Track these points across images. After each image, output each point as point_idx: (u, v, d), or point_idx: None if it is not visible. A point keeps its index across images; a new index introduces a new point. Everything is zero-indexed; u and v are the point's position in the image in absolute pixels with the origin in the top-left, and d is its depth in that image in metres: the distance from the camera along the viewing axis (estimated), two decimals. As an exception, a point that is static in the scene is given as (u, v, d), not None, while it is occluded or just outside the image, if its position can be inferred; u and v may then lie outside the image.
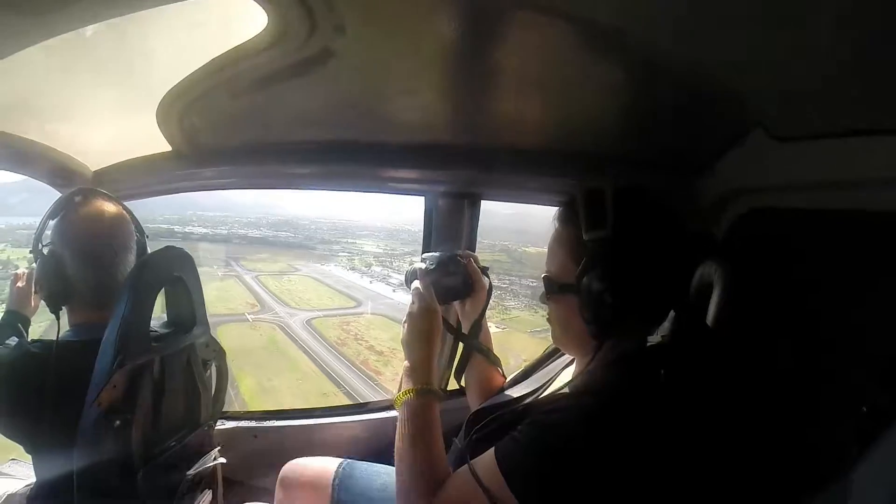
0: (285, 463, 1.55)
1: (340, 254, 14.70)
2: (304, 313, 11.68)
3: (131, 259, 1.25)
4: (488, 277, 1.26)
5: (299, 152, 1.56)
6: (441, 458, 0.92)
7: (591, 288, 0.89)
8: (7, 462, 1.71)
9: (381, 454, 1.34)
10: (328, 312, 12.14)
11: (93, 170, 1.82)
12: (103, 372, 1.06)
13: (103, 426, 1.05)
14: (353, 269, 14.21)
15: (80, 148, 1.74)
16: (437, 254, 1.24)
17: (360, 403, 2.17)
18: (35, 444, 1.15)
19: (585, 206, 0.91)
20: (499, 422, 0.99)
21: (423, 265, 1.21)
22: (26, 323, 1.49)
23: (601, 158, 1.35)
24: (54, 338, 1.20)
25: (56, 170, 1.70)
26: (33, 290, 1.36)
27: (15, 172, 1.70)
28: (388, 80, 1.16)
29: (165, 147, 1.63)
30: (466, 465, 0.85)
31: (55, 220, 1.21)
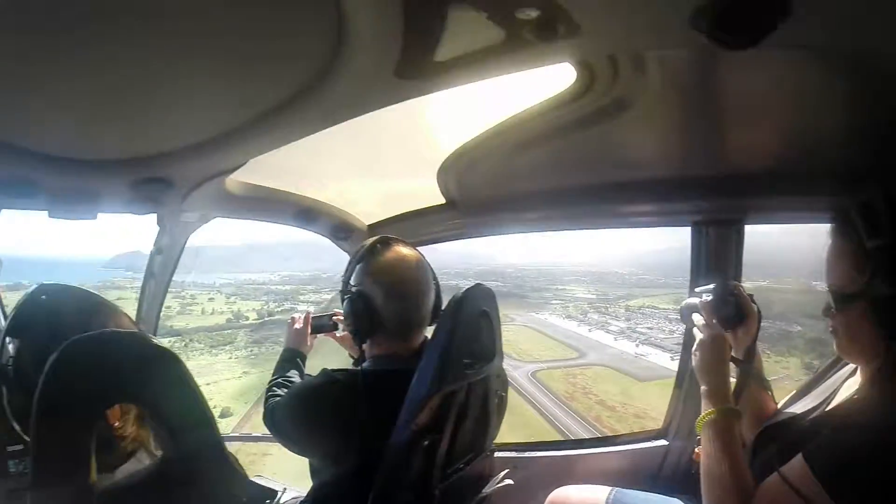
0: (543, 493, 1.63)
1: (553, 301, 14.76)
2: (529, 365, 11.73)
3: (432, 296, 1.35)
4: (755, 304, 1.32)
5: (564, 195, 1.71)
6: (746, 470, 1.01)
7: (881, 293, 0.95)
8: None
9: (641, 484, 1.44)
10: (552, 364, 11.94)
11: (367, 223, 2.12)
12: (421, 395, 1.14)
13: (414, 445, 1.13)
14: (569, 317, 13.94)
15: (357, 206, 2.05)
16: (710, 286, 1.32)
17: (617, 435, 2.18)
18: (336, 460, 1.23)
19: (863, 216, 0.97)
20: (791, 434, 1.06)
21: (699, 298, 1.29)
22: (304, 359, 1.65)
23: (859, 171, 1.37)
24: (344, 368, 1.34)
25: (339, 225, 2.04)
26: (310, 328, 1.66)
27: (301, 228, 2.05)
28: (669, 122, 1.35)
29: (432, 201, 1.86)
30: (775, 473, 0.92)
31: (361, 264, 1.33)
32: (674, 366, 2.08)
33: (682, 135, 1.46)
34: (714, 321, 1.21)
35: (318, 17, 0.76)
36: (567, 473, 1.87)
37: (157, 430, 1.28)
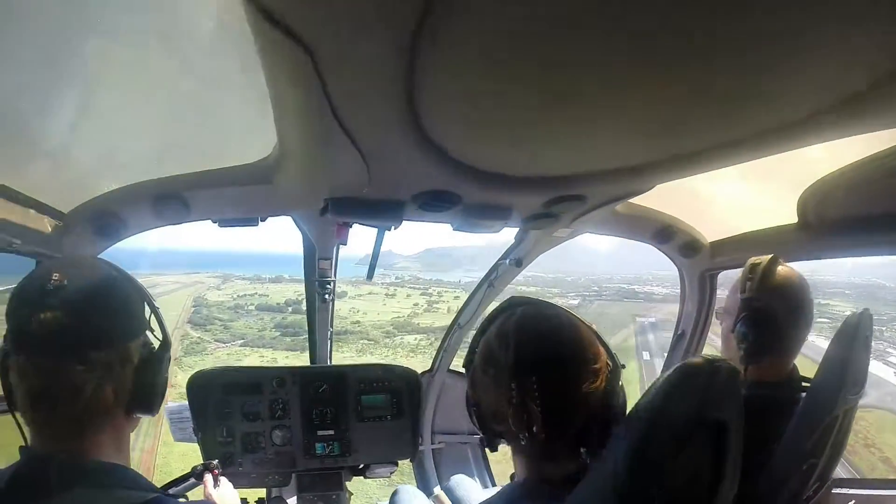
0: None
1: (819, 318, 11.76)
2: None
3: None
4: None
5: None
6: None
7: None
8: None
9: None
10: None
11: (709, 241, 2.12)
12: (815, 416, 1.22)
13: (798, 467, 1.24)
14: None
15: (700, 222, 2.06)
16: None
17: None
18: None
19: None
20: None
21: None
22: None
23: None
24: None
25: (689, 242, 2.08)
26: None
27: (655, 247, 2.13)
28: None
29: (778, 222, 1.80)
30: None
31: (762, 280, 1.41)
32: None
33: None
34: None
35: None
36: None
37: None
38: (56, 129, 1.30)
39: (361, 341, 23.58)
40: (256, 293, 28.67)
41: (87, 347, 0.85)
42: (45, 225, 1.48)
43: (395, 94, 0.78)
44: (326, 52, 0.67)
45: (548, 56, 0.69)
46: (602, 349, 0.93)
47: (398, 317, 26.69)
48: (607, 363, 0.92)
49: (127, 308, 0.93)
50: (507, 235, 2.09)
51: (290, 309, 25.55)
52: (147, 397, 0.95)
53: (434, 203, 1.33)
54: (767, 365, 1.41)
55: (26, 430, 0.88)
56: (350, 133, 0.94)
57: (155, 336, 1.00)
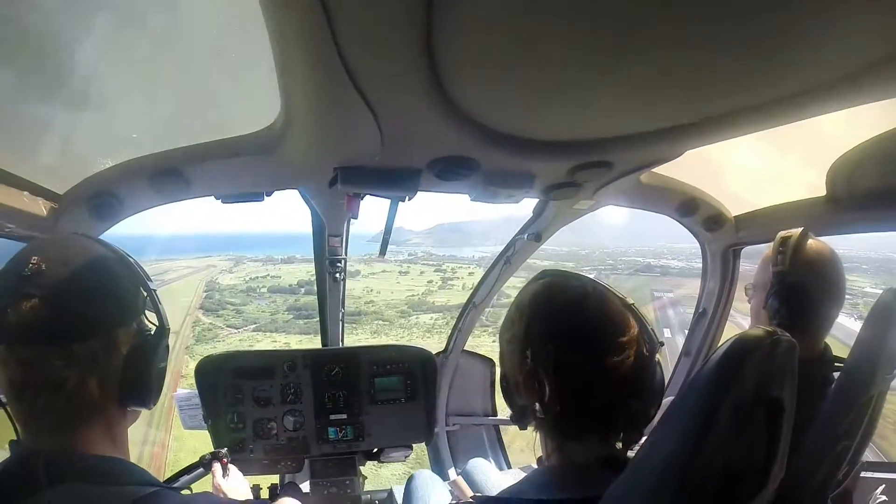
0: None
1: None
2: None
3: None
4: None
5: None
6: None
7: None
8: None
9: None
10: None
11: (733, 215, 2.02)
12: (851, 397, 1.19)
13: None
14: (860, 317, 10.68)
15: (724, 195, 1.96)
16: None
17: None
18: None
19: None
20: None
21: None
22: None
23: None
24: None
25: (713, 216, 1.99)
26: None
27: (678, 221, 2.04)
28: None
29: (804, 195, 1.72)
30: None
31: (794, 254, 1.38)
32: None
33: None
34: None
35: None
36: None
37: None
38: (49, 108, 1.25)
39: (376, 322, 23.51)
40: (269, 275, 28.55)
41: (67, 338, 0.78)
42: (41, 208, 1.41)
43: (414, 51, 0.72)
44: (339, 2, 0.62)
45: (575, 14, 0.64)
46: (634, 322, 0.85)
47: (412, 295, 26.24)
48: (640, 338, 0.84)
49: (115, 293, 0.85)
50: (521, 210, 1.98)
51: (302, 290, 25.53)
52: (139, 390, 0.86)
53: (452, 170, 1.25)
54: (800, 342, 1.37)
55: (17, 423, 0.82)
56: (363, 93, 0.86)
57: (150, 321, 0.91)
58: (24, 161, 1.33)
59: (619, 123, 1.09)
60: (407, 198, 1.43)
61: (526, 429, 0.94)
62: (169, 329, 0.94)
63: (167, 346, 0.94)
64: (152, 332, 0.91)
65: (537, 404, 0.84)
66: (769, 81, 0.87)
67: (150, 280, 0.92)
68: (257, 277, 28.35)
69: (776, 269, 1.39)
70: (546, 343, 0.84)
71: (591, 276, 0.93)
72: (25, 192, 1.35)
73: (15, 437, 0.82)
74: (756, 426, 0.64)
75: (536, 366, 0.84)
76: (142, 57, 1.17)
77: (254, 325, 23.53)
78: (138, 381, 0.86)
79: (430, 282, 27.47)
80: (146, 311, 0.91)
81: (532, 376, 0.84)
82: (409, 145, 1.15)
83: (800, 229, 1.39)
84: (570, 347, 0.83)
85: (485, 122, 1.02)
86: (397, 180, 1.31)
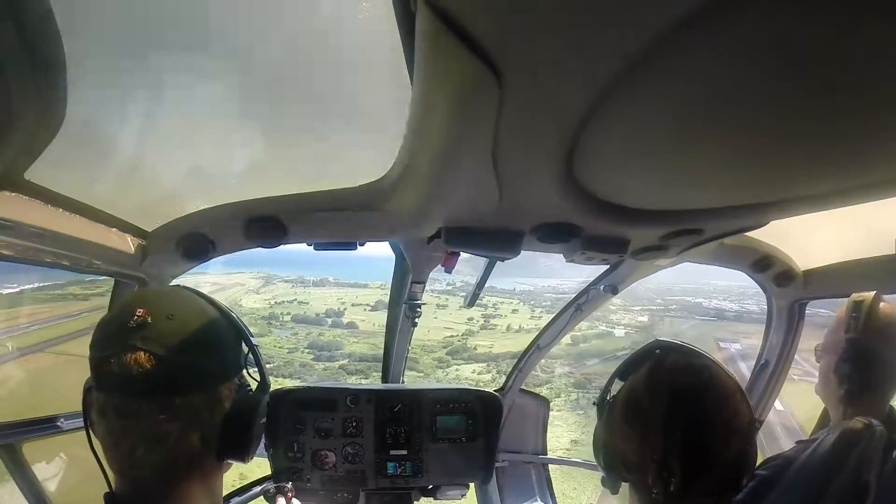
0: None
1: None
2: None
3: None
4: None
5: None
6: None
7: None
8: None
9: None
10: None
11: (802, 269, 2.02)
12: None
13: None
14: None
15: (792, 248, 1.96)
16: None
17: None
18: None
19: None
20: None
21: None
22: None
23: None
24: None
25: (786, 272, 1.99)
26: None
27: (752, 278, 2.06)
28: None
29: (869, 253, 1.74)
30: None
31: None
32: None
33: None
34: None
35: None
36: None
37: None
38: (141, 145, 1.27)
39: (410, 372, 21.32)
40: (296, 300, 26.79)
41: (170, 393, 0.79)
42: (129, 244, 1.46)
43: (562, 131, 0.75)
44: (515, 77, 0.61)
45: (690, 104, 0.69)
46: (744, 404, 0.93)
47: (452, 335, 23.60)
48: (748, 419, 0.92)
49: (219, 347, 0.87)
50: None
51: (328, 322, 23.67)
52: (239, 444, 0.88)
53: (555, 235, 1.27)
54: (867, 405, 1.37)
55: (109, 473, 0.83)
56: (496, 164, 0.88)
57: (251, 375, 0.94)
58: (114, 198, 1.35)
59: (713, 196, 1.14)
60: (506, 258, 1.45)
61: (617, 493, 1.01)
62: (269, 385, 0.97)
63: (268, 403, 0.96)
64: (253, 388, 0.93)
65: (662, 489, 0.89)
66: (855, 170, 0.91)
67: (252, 336, 0.94)
68: (283, 302, 26.70)
69: (849, 336, 1.40)
70: (679, 432, 0.89)
71: (645, 318, 0.98)
72: (114, 229, 1.40)
73: (109, 490, 0.82)
74: None
75: (669, 455, 0.89)
76: (242, 102, 1.16)
77: (267, 366, 21.92)
78: (240, 436, 0.87)
79: (470, 319, 24.61)
80: (248, 367, 0.93)
81: (663, 464, 0.88)
82: (520, 211, 1.18)
83: (872, 293, 1.41)
84: (700, 435, 0.89)
85: (598, 194, 1.06)
86: (500, 241, 1.34)
